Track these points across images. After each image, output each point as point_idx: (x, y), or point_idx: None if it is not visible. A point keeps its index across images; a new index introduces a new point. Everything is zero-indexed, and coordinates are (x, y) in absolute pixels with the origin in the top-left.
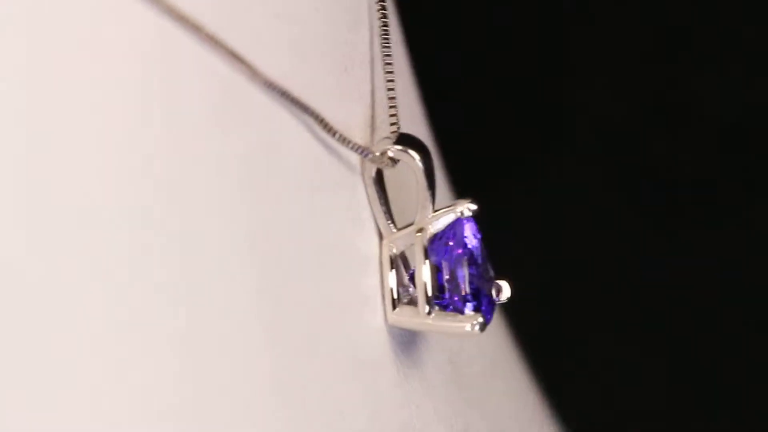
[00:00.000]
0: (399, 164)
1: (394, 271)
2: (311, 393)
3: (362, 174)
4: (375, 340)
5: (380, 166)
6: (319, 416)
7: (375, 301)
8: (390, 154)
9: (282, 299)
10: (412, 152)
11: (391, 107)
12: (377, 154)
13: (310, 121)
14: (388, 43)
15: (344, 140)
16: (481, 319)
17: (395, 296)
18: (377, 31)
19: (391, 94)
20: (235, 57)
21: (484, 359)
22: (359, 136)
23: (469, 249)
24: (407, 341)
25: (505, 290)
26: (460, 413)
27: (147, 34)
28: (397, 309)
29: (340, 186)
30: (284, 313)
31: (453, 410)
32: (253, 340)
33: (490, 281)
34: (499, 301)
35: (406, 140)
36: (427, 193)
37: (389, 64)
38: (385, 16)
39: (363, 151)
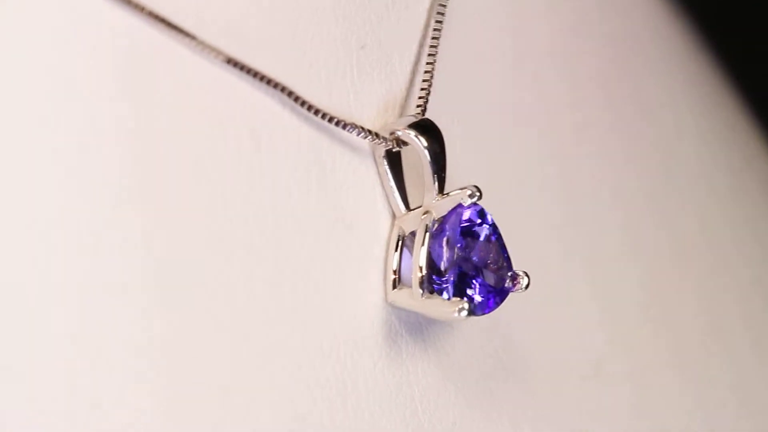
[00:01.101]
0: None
1: (398, 251)
2: (277, 361)
3: (373, 153)
4: (366, 318)
5: (387, 148)
6: (286, 385)
7: (377, 279)
8: (399, 135)
9: (269, 273)
10: (418, 136)
11: (422, 89)
12: (385, 135)
13: (289, 100)
14: (439, 25)
15: (327, 117)
16: (465, 306)
17: (397, 276)
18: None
19: (426, 76)
20: (186, 35)
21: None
22: (374, 115)
23: (459, 234)
24: (423, 323)
25: (522, 281)
26: (509, 402)
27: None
28: (396, 289)
29: (344, 164)
30: (272, 285)
31: (494, 400)
32: (230, 308)
33: (500, 270)
34: (513, 290)
35: (419, 123)
36: (431, 177)
37: (433, 46)
38: None
39: (353, 131)
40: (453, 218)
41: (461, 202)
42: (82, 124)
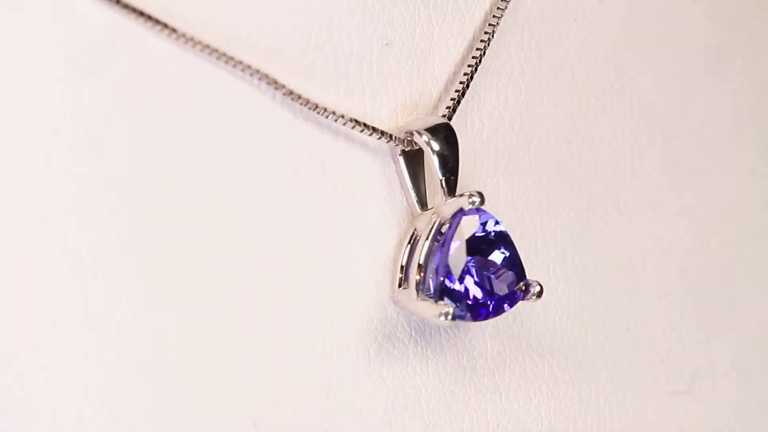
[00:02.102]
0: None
1: (407, 250)
2: (259, 356)
3: (391, 152)
4: (365, 315)
5: (403, 148)
6: (264, 381)
7: (385, 278)
8: (411, 136)
9: (265, 269)
10: (429, 139)
11: (456, 91)
12: (400, 135)
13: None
14: (491, 28)
15: (320, 110)
16: (448, 310)
17: (403, 275)
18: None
19: (463, 78)
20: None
21: None
22: (395, 113)
23: (453, 239)
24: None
25: (534, 289)
26: (557, 411)
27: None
28: (401, 289)
29: (350, 161)
30: (270, 280)
31: (531, 407)
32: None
33: (508, 277)
34: (523, 299)
35: (435, 126)
36: (439, 180)
37: (479, 49)
38: None
39: (355, 127)
40: (454, 222)
41: (462, 206)
42: (59, 115)
